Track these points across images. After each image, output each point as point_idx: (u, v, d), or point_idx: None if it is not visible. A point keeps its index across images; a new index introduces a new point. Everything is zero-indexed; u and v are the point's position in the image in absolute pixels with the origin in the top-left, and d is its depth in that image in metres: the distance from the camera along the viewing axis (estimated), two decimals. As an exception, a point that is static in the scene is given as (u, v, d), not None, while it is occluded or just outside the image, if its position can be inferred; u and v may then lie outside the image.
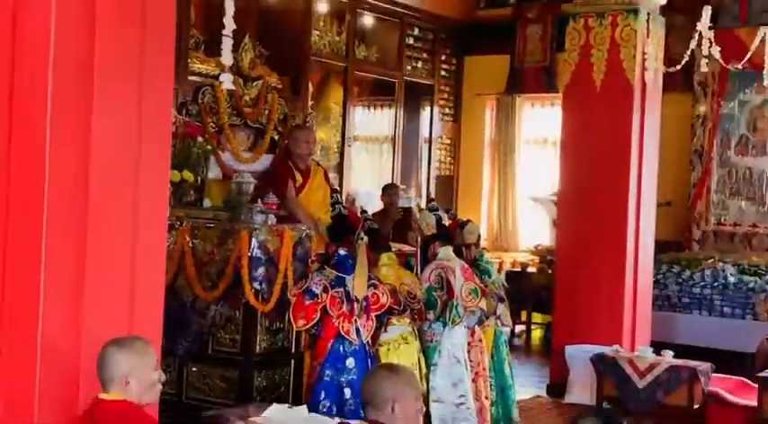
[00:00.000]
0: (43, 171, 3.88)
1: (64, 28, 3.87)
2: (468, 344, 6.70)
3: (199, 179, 6.66)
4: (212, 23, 9.51)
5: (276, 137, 7.45)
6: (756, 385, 7.87)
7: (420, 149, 13.20)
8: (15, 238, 3.97)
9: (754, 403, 7.75)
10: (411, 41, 12.86)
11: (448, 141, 13.60)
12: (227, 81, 5.41)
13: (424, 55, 13.11)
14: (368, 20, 12.25)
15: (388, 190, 9.95)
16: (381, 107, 12.88)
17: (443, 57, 13.38)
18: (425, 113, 13.20)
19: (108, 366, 3.60)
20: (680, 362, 8.08)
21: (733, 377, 8.57)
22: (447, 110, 13.55)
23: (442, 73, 13.39)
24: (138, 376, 3.61)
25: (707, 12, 7.86)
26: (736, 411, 7.93)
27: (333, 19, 11.75)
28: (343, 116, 11.97)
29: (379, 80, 12.68)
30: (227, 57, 4.86)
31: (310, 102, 11.35)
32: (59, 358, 3.98)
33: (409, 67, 12.85)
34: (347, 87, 12.00)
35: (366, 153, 12.67)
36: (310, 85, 11.50)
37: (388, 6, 12.24)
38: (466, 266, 6.76)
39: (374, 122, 12.84)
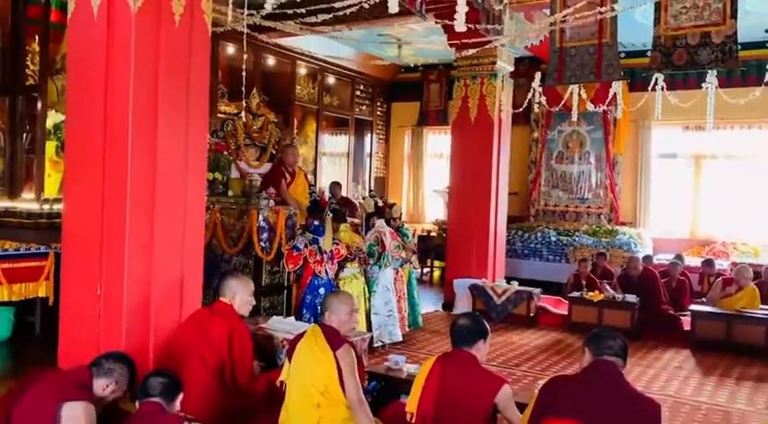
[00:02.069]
0: (126, 172, 3.86)
1: (140, 81, 3.86)
2: (395, 279, 6.76)
3: (225, 177, 6.57)
4: (232, 80, 9.41)
5: (273, 152, 7.38)
6: (567, 302, 8.09)
7: (364, 160, 13.17)
8: (110, 215, 3.94)
9: (566, 312, 7.98)
10: (358, 93, 12.79)
11: (381, 155, 13.58)
12: (243, 116, 5.37)
13: (367, 101, 13.06)
14: (331, 79, 12.15)
15: (333, 185, 9.66)
16: (340, 134, 12.79)
17: (378, 103, 13.34)
18: (368, 138, 13.14)
19: (226, 286, 4.02)
20: (522, 288, 8.25)
21: (553, 297, 8.78)
22: (381, 136, 13.52)
23: (378, 113, 13.35)
24: (242, 296, 4.02)
25: (537, 75, 7.94)
26: (555, 317, 8.13)
27: (309, 78, 11.65)
28: (316, 140, 11.89)
29: (339, 117, 12.59)
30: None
31: (295, 131, 11.25)
32: (139, 291, 3.97)
33: (357, 109, 12.80)
34: (318, 121, 11.92)
35: (330, 163, 12.57)
36: (295, 120, 11.40)
37: (343, 71, 12.18)
38: (393, 231, 6.81)
39: (336, 144, 12.74)
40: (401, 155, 13.61)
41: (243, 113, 6.87)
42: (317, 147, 11.90)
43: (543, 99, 7.80)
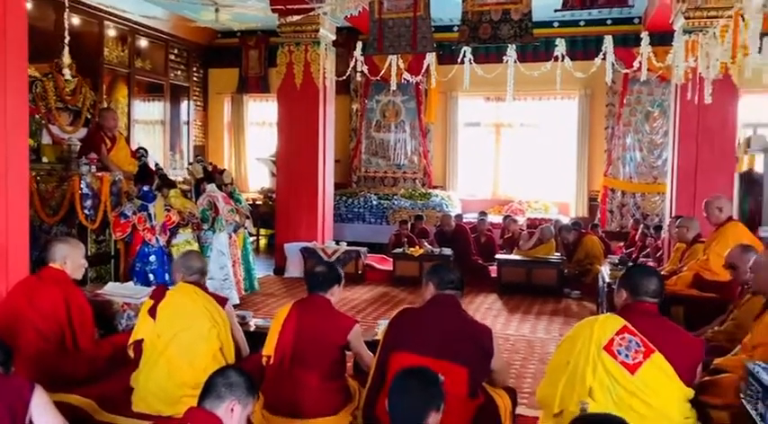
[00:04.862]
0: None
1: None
2: (229, 244, 6.78)
3: (36, 143, 6.08)
4: (32, 40, 8.55)
5: (89, 117, 6.96)
6: (390, 259, 8.65)
7: (182, 128, 12.65)
8: None
9: (390, 268, 8.55)
10: (173, 57, 12.21)
11: (200, 123, 13.14)
12: (67, 74, 5.04)
13: (183, 67, 12.50)
14: (143, 42, 11.48)
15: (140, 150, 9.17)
16: (154, 100, 12.13)
17: (195, 69, 12.84)
18: (184, 105, 12.62)
19: (55, 250, 3.82)
20: (350, 248, 8.67)
21: (377, 255, 9.33)
22: (199, 103, 13.05)
23: (195, 78, 12.84)
24: (73, 259, 3.86)
25: (359, 45, 8.17)
26: (381, 273, 8.67)
27: (118, 40, 10.90)
28: (129, 106, 11.19)
29: (152, 83, 11.94)
30: (66, 60, 4.59)
31: (104, 96, 10.51)
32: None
33: (173, 75, 12.22)
34: (130, 87, 11.23)
35: (145, 131, 11.90)
36: (104, 85, 10.64)
37: (156, 33, 11.56)
38: (225, 196, 6.80)
39: (150, 111, 12.06)
40: (221, 123, 13.30)
41: (53, 74, 6.38)
42: (129, 114, 11.20)
43: (365, 68, 8.12)
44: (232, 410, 2.22)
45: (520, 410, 3.43)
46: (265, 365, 3.45)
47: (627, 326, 2.61)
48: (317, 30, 8.65)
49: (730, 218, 5.28)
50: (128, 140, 11.08)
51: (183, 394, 3.32)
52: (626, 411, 2.41)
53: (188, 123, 12.75)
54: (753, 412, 2.66)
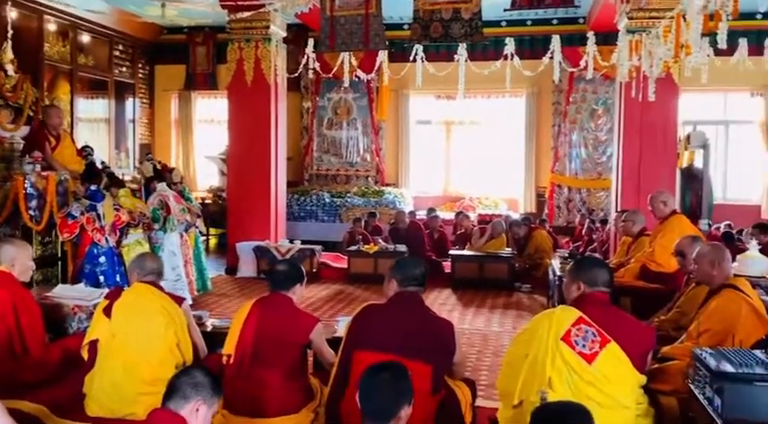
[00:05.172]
0: None
1: None
2: (180, 243, 6.66)
3: (-26, 142, 5.86)
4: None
5: (31, 114, 6.72)
6: (345, 256, 8.66)
7: (127, 126, 12.34)
8: None
9: (345, 266, 8.56)
10: (117, 53, 11.89)
11: (146, 121, 12.86)
12: (9, 70, 4.85)
13: (127, 63, 12.20)
14: (86, 37, 11.12)
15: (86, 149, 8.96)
16: (98, 98, 11.78)
17: (140, 65, 12.55)
18: (130, 102, 12.33)
19: (2, 252, 3.69)
20: (304, 246, 8.63)
21: (332, 253, 9.32)
22: (145, 101, 12.76)
23: (140, 75, 12.56)
24: (22, 261, 3.75)
25: (311, 42, 8.11)
26: (336, 271, 8.67)
27: (59, 35, 10.54)
28: (71, 103, 10.84)
29: (96, 79, 11.60)
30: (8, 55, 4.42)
31: (45, 93, 10.15)
32: None
33: (117, 71, 11.91)
34: (73, 83, 10.88)
35: (89, 130, 11.53)
36: (45, 82, 10.27)
37: (99, 29, 11.22)
38: (176, 194, 6.68)
39: (94, 108, 11.70)
40: (168, 121, 13.04)
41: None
42: (72, 112, 10.86)
43: (317, 65, 8.09)
44: (197, 410, 2.20)
45: (478, 402, 3.50)
46: (225, 364, 3.41)
47: (583, 317, 2.69)
48: (268, 27, 8.58)
49: (674, 212, 5.48)
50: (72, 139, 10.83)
51: (140, 392, 3.27)
52: (583, 401, 2.48)
53: (134, 121, 12.46)
54: (701, 397, 2.78)
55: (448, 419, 3.05)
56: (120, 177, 7.88)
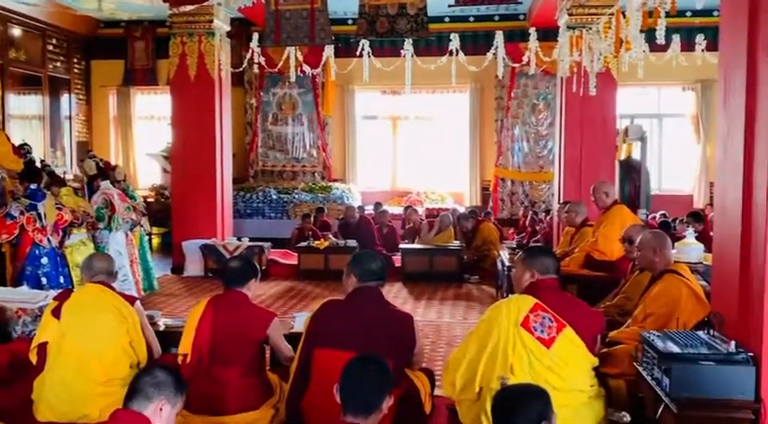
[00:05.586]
0: None
1: None
2: (126, 243, 6.49)
3: None
4: None
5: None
6: (294, 253, 8.61)
7: (63, 124, 11.87)
8: None
9: (295, 262, 8.51)
10: (51, 48, 11.43)
11: (83, 118, 12.42)
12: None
13: (62, 58, 11.74)
14: (17, 30, 10.65)
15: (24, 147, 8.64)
16: (31, 94, 11.29)
17: (76, 60, 12.10)
18: (65, 99, 11.87)
19: None
20: (252, 243, 8.52)
21: (281, 250, 9.24)
22: (81, 97, 12.32)
23: (76, 71, 12.11)
24: None
25: (255, 36, 8.00)
26: (285, 267, 8.62)
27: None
28: (2, 100, 10.35)
29: (29, 75, 11.11)
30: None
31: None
32: None
33: (51, 66, 11.45)
34: (3, 79, 10.39)
35: (22, 127, 11.03)
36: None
37: (32, 22, 10.76)
38: (120, 193, 6.50)
39: (27, 105, 11.21)
40: (106, 118, 12.63)
41: None
42: (3, 108, 10.38)
43: (262, 59, 8.00)
44: (161, 409, 2.16)
45: (436, 391, 3.55)
46: (181, 364, 3.36)
47: (539, 303, 2.78)
48: (211, 21, 8.44)
49: (616, 202, 5.69)
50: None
51: (93, 393, 3.19)
52: (541, 385, 2.58)
53: (70, 118, 12.01)
54: (648, 378, 2.92)
55: (408, 410, 3.10)
56: (61, 175, 7.62)
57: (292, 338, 3.68)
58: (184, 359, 3.35)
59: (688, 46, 7.92)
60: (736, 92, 2.83)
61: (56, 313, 3.25)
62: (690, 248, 5.03)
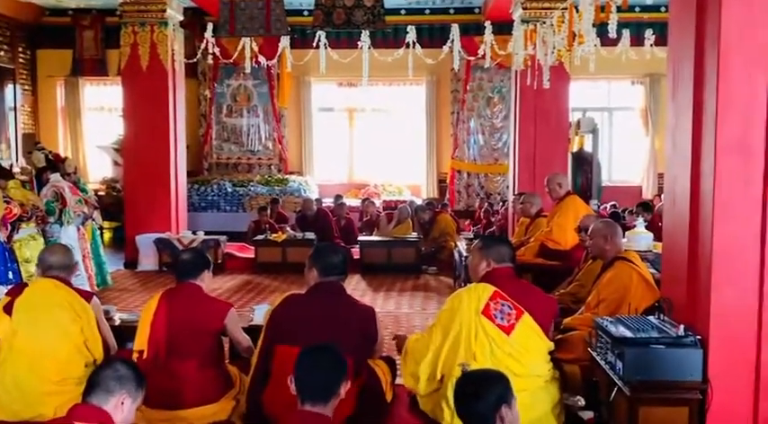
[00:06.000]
0: None
1: None
2: (78, 237, 6.32)
3: None
4: None
5: None
6: (251, 246, 8.54)
7: (7, 115, 11.42)
8: None
9: (252, 255, 8.43)
10: (-7, 36, 11.02)
11: (29, 109, 11.97)
12: None
13: (6, 47, 11.28)
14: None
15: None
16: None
17: (21, 50, 11.65)
18: (9, 89, 11.41)
19: None
20: (208, 237, 8.40)
21: (237, 243, 9.13)
22: (27, 87, 11.85)
23: (21, 60, 11.65)
24: None
25: (210, 26, 7.85)
26: (242, 261, 8.53)
27: None
28: (-59, 90, 9.94)
29: (-31, 64, 10.69)
30: None
31: None
32: None
33: (-7, 56, 11.04)
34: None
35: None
36: None
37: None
38: (71, 185, 6.32)
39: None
40: (54, 109, 12.20)
41: None
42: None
43: (217, 50, 7.87)
44: (122, 403, 2.13)
45: (397, 380, 3.59)
46: (137, 360, 3.30)
47: (498, 291, 2.84)
48: (164, 10, 8.25)
49: (569, 193, 5.83)
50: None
51: (47, 391, 3.12)
52: (503, 371, 2.64)
53: (14, 109, 11.53)
54: (602, 362, 3.01)
55: (369, 399, 3.12)
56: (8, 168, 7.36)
57: (252, 330, 3.67)
58: (140, 356, 3.29)
59: (638, 40, 8.14)
60: (684, 85, 2.94)
61: (7, 309, 3.15)
62: (639, 237, 5.19)
